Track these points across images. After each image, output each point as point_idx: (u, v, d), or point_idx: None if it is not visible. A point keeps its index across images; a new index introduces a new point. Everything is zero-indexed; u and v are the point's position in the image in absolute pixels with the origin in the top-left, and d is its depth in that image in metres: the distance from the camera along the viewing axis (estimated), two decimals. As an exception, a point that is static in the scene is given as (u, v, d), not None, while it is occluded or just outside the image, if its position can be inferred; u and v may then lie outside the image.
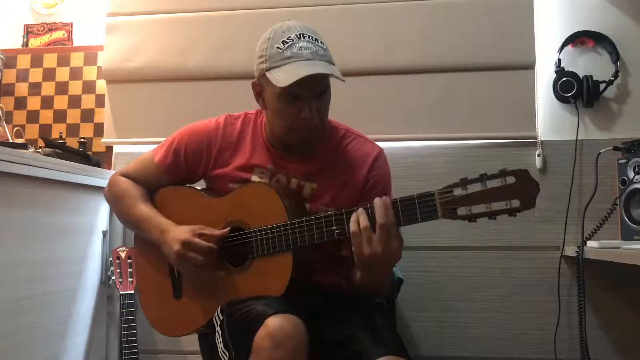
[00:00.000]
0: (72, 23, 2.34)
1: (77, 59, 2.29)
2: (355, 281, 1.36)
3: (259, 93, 1.41)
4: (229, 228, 1.38)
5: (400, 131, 2.05)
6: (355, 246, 1.23)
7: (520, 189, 1.14)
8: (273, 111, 1.39)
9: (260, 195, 1.38)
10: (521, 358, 1.95)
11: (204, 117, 1.55)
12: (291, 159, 1.44)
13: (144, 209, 1.47)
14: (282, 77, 1.28)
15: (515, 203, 1.14)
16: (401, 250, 1.24)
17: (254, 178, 1.45)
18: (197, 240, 1.34)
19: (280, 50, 1.31)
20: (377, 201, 1.22)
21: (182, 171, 1.51)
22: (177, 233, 1.36)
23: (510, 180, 1.14)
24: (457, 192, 1.17)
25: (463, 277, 2.00)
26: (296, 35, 1.32)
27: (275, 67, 1.31)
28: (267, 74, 1.32)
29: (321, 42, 1.34)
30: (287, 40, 1.31)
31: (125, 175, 1.55)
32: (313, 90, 1.32)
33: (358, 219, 1.22)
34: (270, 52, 1.33)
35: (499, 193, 1.15)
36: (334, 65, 1.35)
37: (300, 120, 1.34)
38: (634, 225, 1.81)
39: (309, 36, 1.33)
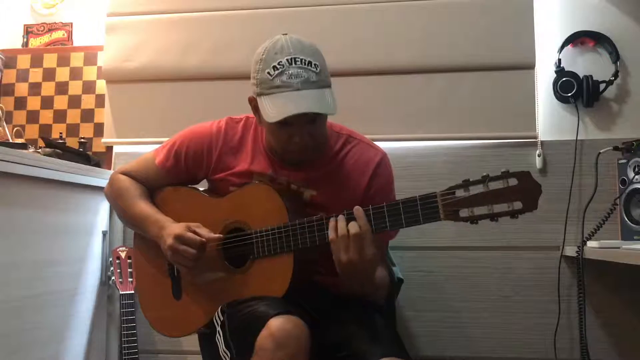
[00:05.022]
0: (72, 23, 2.33)
1: (77, 59, 2.28)
2: (342, 290, 1.37)
3: (255, 108, 1.38)
4: (221, 235, 1.38)
5: (400, 131, 2.05)
6: (334, 253, 1.25)
7: (523, 191, 1.14)
8: (268, 131, 1.40)
9: (261, 196, 1.38)
10: (521, 358, 1.95)
11: (204, 117, 1.55)
12: (291, 166, 1.44)
13: (144, 207, 1.47)
14: (271, 110, 1.27)
15: (518, 205, 1.14)
16: (377, 257, 1.26)
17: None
18: (190, 234, 1.34)
19: (270, 77, 1.28)
20: (356, 208, 1.24)
21: (182, 173, 1.52)
22: (172, 228, 1.37)
23: (513, 182, 1.14)
24: (459, 193, 1.17)
25: (463, 277, 1.99)
26: (287, 60, 1.27)
27: (265, 95, 1.29)
28: (258, 99, 1.31)
29: (314, 65, 1.29)
30: (278, 66, 1.27)
31: (126, 173, 1.55)
32: (304, 118, 1.29)
33: (336, 226, 1.24)
34: (261, 77, 1.30)
35: (501, 195, 1.15)
36: (329, 87, 1.32)
37: (293, 144, 1.34)
38: (634, 225, 1.81)
39: (301, 60, 1.28)
